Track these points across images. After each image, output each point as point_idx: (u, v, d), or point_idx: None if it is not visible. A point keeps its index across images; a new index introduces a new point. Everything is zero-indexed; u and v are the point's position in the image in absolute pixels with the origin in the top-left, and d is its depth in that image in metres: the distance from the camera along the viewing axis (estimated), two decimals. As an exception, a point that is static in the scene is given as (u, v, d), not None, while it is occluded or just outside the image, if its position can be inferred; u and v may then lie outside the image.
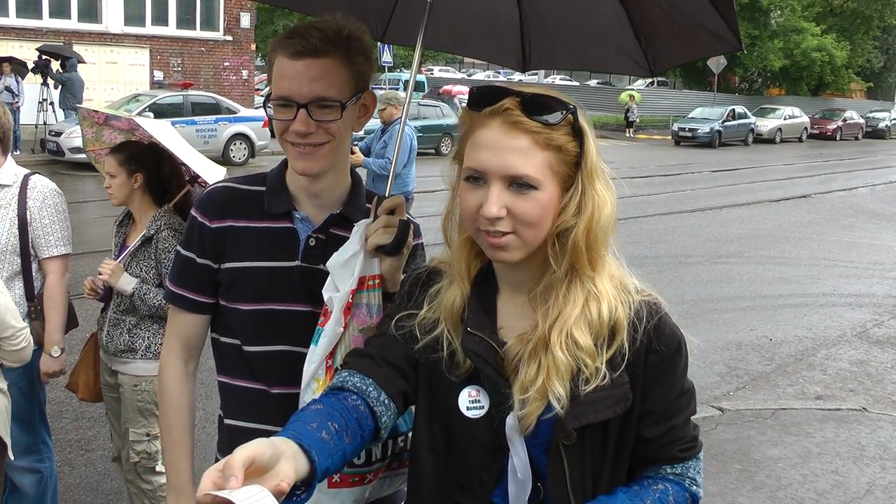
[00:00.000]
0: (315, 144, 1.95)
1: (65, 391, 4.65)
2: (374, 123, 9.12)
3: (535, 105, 1.54)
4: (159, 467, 4.05)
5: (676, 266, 11.95)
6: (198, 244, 2.09)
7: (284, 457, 1.36)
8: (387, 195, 2.04)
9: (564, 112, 1.56)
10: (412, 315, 1.72)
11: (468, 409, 1.63)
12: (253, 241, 2.06)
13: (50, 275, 3.82)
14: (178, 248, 2.16)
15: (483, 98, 1.58)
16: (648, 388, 1.63)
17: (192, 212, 2.12)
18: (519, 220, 1.54)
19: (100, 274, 3.85)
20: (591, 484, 1.64)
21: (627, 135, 36.84)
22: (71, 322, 4.03)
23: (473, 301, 1.66)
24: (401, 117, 9.25)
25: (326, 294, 1.93)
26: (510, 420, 1.61)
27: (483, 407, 1.63)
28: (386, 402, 1.66)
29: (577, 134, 1.58)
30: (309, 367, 1.92)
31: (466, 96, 1.64)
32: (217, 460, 2.19)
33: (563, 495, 1.61)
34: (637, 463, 1.70)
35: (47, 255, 3.79)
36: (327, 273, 1.98)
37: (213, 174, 3.97)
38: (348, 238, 2.01)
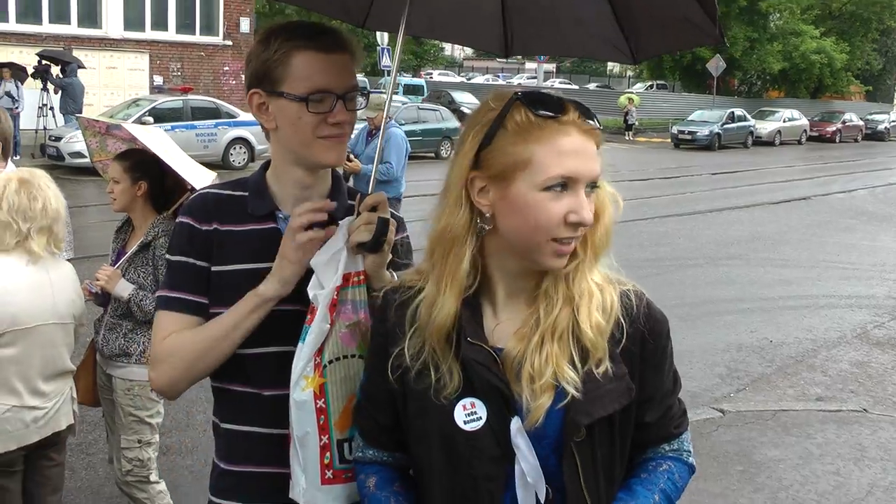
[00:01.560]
0: (345, 133, 2.03)
1: (66, 395, 4.64)
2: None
3: (586, 111, 1.61)
4: (154, 476, 4.06)
5: (676, 268, 11.96)
6: (191, 246, 2.07)
7: None
8: (369, 192, 2.04)
9: (596, 117, 1.64)
10: (401, 351, 1.71)
11: (465, 422, 1.62)
12: (238, 243, 2.05)
13: (52, 280, 3.83)
14: (167, 256, 2.12)
15: (550, 105, 1.59)
16: (645, 376, 1.68)
17: (181, 218, 2.09)
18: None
19: (97, 280, 3.87)
20: (605, 478, 1.65)
21: (627, 138, 36.90)
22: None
23: (465, 313, 1.65)
24: (390, 121, 9.07)
25: (311, 292, 1.93)
26: (514, 424, 1.60)
27: (481, 417, 1.62)
28: (399, 456, 1.81)
29: None
30: (297, 365, 1.92)
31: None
32: (214, 465, 2.19)
33: (577, 493, 1.61)
34: (637, 447, 1.74)
35: (49, 260, 3.80)
36: (312, 271, 1.98)
37: (205, 182, 3.96)
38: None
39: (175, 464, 5.25)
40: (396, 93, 31.32)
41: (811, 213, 18.62)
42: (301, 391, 1.91)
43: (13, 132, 3.96)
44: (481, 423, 1.62)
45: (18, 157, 18.03)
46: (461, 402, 1.63)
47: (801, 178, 25.70)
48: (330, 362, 1.93)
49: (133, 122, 16.57)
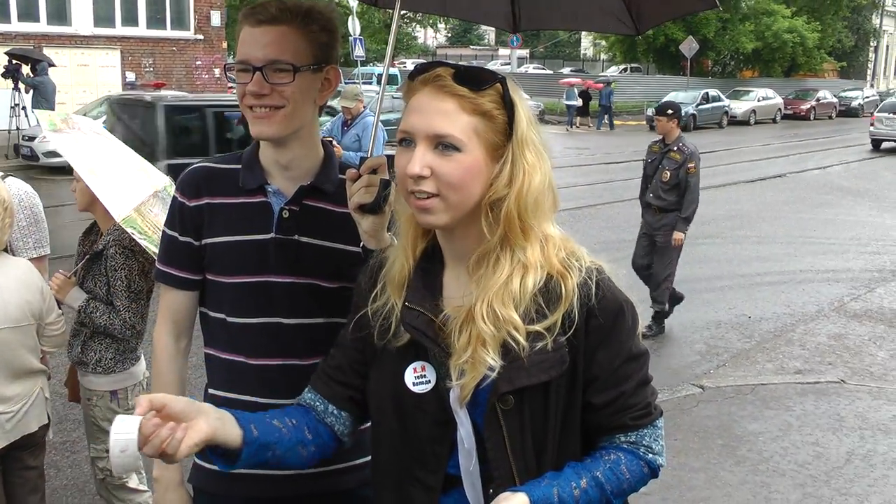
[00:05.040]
0: (271, 108, 2.04)
1: (48, 392, 4.63)
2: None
3: (466, 74, 1.62)
4: (132, 483, 3.94)
5: (655, 249, 12.01)
6: (179, 223, 2.20)
7: (203, 414, 1.56)
8: (369, 156, 2.08)
9: (491, 80, 1.62)
10: (366, 312, 1.77)
11: (414, 384, 1.67)
12: (229, 216, 2.15)
13: (29, 276, 3.80)
14: (164, 228, 2.25)
15: (421, 70, 1.66)
16: (593, 354, 1.64)
17: (174, 192, 2.22)
18: (442, 181, 1.59)
19: (51, 287, 3.70)
20: (535, 451, 1.64)
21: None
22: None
23: (416, 276, 1.70)
24: (365, 111, 9.30)
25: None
26: (454, 391, 1.63)
27: (429, 381, 1.67)
28: (335, 412, 1.82)
29: (508, 105, 1.63)
30: None
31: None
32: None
33: (503, 461, 1.62)
34: (591, 432, 1.71)
35: (26, 258, 3.77)
36: (303, 244, 2.09)
37: (127, 203, 3.61)
38: (322, 209, 2.13)
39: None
40: (369, 83, 31.08)
41: (787, 190, 18.77)
42: None
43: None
44: (429, 386, 1.67)
45: (-8, 158, 17.87)
46: (412, 365, 1.68)
47: (776, 156, 25.84)
48: None
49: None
